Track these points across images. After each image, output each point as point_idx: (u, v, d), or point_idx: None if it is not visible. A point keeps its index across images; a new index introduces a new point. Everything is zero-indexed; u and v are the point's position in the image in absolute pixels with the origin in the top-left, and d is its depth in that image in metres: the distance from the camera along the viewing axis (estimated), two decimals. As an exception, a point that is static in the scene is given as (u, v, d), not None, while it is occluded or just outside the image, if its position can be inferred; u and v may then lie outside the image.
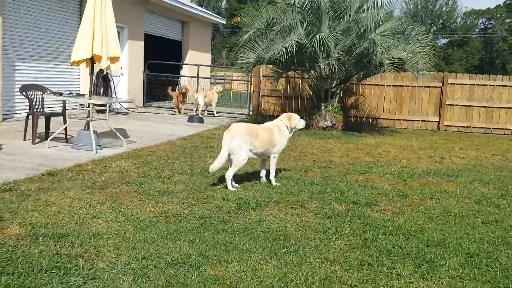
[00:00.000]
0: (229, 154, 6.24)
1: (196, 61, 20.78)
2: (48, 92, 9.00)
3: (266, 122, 7.15)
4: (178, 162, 7.95)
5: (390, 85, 15.88)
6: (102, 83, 14.83)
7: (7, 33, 11.63)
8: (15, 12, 11.96)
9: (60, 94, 8.80)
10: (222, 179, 6.56)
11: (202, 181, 6.62)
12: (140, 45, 17.43)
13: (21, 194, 5.47)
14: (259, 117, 16.01)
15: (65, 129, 8.95)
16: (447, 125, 15.71)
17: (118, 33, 16.86)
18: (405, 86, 15.81)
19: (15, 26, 12.03)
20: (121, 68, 16.57)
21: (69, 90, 9.66)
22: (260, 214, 5.27)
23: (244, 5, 54.39)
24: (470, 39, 64.46)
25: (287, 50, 11.37)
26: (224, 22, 24.81)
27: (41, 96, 8.99)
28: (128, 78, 16.81)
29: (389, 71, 11.91)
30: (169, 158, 8.24)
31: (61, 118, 9.30)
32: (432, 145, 11.78)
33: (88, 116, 8.64)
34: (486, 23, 69.92)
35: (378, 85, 15.81)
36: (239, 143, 6.23)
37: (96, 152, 8.19)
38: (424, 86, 15.44)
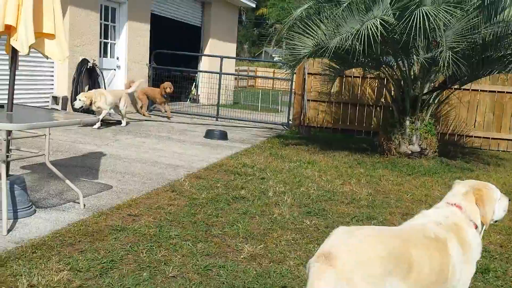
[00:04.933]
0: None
1: (218, 52, 16.42)
2: None
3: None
4: (178, 258, 3.68)
5: (485, 91, 11.32)
6: (87, 78, 10.61)
7: None
8: None
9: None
10: None
11: None
12: (144, 29, 13.08)
13: None
14: (303, 129, 11.65)
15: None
16: None
17: (114, 9, 12.75)
18: (507, 92, 11.28)
19: None
20: (117, 58, 12.33)
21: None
22: None
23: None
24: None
25: (368, 33, 6.97)
26: (254, 5, 20.39)
27: None
28: (127, 72, 12.42)
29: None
30: (160, 243, 3.97)
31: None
32: None
33: (7, 153, 4.35)
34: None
35: (469, 89, 11.29)
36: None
37: (6, 232, 3.93)
38: (535, 93, 10.94)
